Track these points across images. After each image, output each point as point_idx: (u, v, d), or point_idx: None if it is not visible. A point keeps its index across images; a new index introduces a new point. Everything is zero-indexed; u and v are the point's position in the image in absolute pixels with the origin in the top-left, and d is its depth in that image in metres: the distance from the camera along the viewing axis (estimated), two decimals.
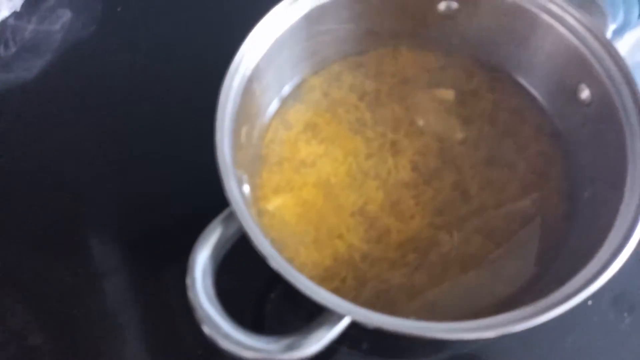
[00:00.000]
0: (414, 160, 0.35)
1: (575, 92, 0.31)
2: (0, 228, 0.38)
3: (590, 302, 0.35)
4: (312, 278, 0.31)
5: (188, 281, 0.25)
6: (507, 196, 0.33)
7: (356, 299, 0.32)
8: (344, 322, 0.24)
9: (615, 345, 0.33)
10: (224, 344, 0.24)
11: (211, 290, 0.25)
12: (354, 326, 0.24)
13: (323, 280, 0.32)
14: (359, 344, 0.35)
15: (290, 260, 0.32)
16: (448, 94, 0.37)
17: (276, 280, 0.33)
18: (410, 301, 0.31)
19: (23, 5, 0.47)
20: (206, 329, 0.24)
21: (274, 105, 0.37)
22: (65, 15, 0.48)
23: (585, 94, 0.31)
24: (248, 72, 0.30)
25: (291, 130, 0.36)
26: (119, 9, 0.47)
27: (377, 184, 0.35)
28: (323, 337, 0.23)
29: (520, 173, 0.34)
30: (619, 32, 0.43)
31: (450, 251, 0.32)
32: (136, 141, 0.40)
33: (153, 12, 0.46)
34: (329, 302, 0.24)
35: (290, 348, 0.23)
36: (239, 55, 0.30)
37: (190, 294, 0.25)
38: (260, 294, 0.34)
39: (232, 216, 0.26)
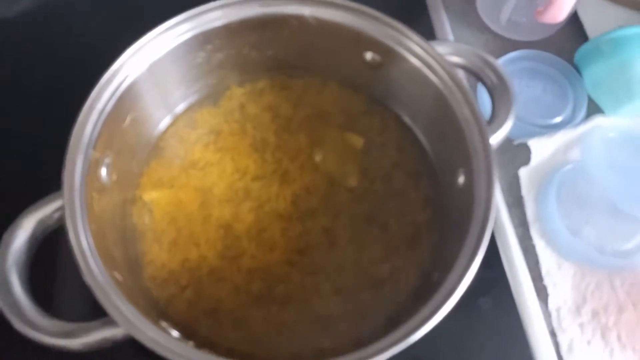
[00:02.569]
0: (297, 194, 0.35)
1: (455, 174, 0.31)
2: None
3: None
4: (154, 277, 0.32)
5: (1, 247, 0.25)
6: (370, 257, 0.33)
7: (187, 310, 0.32)
8: (119, 332, 0.24)
9: None
10: (11, 318, 0.24)
11: (22, 267, 0.26)
12: None
13: (165, 282, 0.32)
14: None
15: (141, 255, 0.33)
16: (357, 141, 0.37)
17: None
18: (236, 329, 0.31)
19: None
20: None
21: (184, 104, 0.37)
22: None
23: (461, 179, 0.30)
24: (147, 63, 0.31)
25: (195, 130, 0.37)
26: None
27: (253, 206, 0.35)
28: (94, 336, 0.24)
29: (392, 237, 0.34)
30: (559, 126, 0.42)
31: (295, 293, 0.32)
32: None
33: None
34: (110, 309, 0.24)
35: (64, 336, 0.24)
36: (138, 45, 0.30)
37: None
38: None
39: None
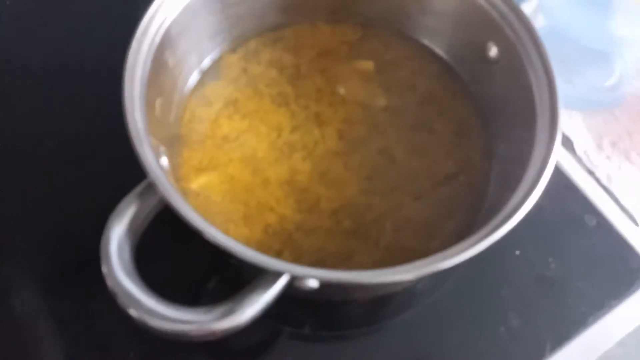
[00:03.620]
0: (340, 129, 0.35)
1: (484, 51, 0.33)
2: None
3: (517, 252, 0.36)
4: None
5: (102, 259, 0.22)
6: (431, 158, 0.34)
7: None
8: (282, 281, 0.22)
9: (545, 291, 0.35)
10: (152, 322, 0.22)
11: (130, 267, 0.23)
12: (296, 303, 0.23)
13: None
14: (302, 326, 0.33)
15: None
16: (367, 65, 0.37)
17: (206, 253, 0.32)
18: (348, 267, 0.30)
19: None
20: (132, 311, 0.22)
21: (191, 82, 0.35)
22: None
23: (493, 51, 0.32)
24: (158, 39, 0.28)
25: (211, 107, 0.35)
26: (7, 2, 0.43)
27: (304, 154, 0.34)
28: (259, 299, 0.22)
29: (441, 136, 0.35)
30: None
31: (384, 215, 0.32)
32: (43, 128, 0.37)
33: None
34: (265, 261, 0.22)
35: (225, 315, 0.22)
36: (146, 19, 0.28)
37: (105, 272, 0.22)
38: (188, 270, 0.32)
39: (150, 188, 0.24)
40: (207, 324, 0.21)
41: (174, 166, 0.32)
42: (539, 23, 0.45)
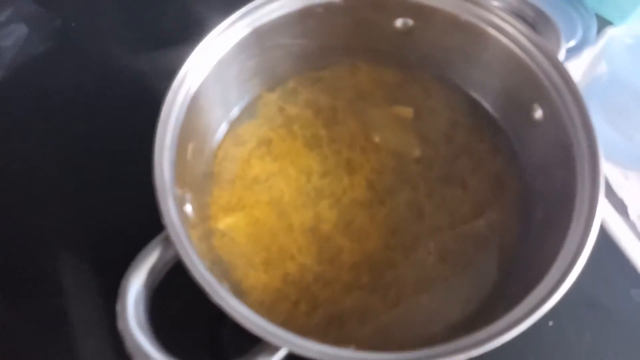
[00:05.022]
0: (369, 179, 0.34)
1: (529, 111, 0.31)
2: None
3: (551, 323, 0.34)
4: (261, 302, 0.30)
5: (118, 308, 0.24)
6: (461, 216, 0.33)
7: (307, 324, 0.30)
8: (281, 354, 0.22)
9: None
10: None
11: (143, 319, 0.24)
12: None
13: (274, 303, 0.31)
14: None
15: (238, 283, 0.31)
16: (406, 111, 0.37)
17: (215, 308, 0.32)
18: (362, 326, 0.30)
19: None
20: None
21: (225, 122, 0.35)
22: (20, 30, 0.46)
23: (538, 113, 0.30)
24: (194, 88, 0.29)
25: (244, 147, 0.35)
26: (73, 24, 0.46)
27: (331, 202, 0.34)
28: None
29: (475, 193, 0.33)
30: (578, 48, 0.43)
31: (405, 273, 0.31)
32: (79, 163, 0.39)
33: (105, 29, 0.45)
34: (264, 332, 0.22)
35: None
36: (183, 71, 0.28)
37: (119, 323, 0.23)
38: (198, 323, 0.32)
39: (167, 240, 0.25)
40: None
41: (203, 205, 0.33)
42: (600, 70, 0.42)
